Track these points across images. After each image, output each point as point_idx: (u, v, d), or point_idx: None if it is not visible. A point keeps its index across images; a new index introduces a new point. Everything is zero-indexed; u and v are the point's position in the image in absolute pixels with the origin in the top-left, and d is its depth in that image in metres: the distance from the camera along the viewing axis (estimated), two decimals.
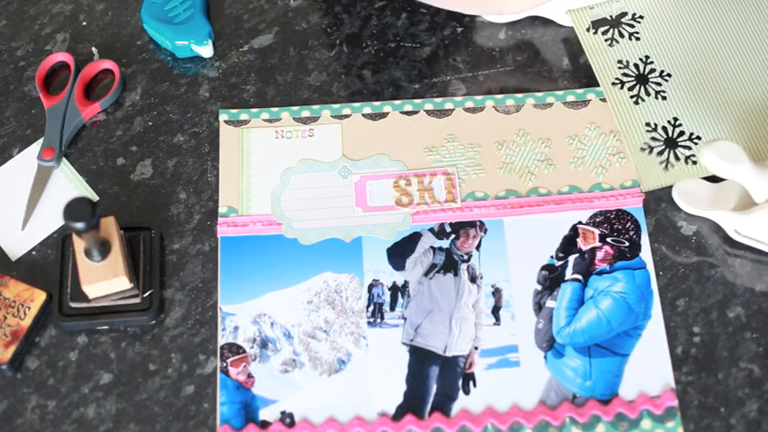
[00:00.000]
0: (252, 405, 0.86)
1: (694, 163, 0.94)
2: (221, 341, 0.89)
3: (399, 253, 0.92)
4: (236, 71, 1.02)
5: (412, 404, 0.86)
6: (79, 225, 0.80)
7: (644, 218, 0.93)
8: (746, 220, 0.89)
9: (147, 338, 0.89)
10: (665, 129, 0.95)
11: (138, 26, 1.04)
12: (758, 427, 0.85)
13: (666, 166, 0.93)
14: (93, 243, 0.84)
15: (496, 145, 0.97)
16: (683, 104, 0.96)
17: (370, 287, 0.91)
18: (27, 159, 0.97)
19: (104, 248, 0.85)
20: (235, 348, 0.88)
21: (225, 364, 0.88)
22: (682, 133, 0.94)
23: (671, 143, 0.94)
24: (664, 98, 0.96)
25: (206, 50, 1.01)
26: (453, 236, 0.93)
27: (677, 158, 0.93)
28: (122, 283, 0.86)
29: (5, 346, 0.87)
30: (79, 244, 0.86)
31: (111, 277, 0.85)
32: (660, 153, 0.94)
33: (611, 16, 1.01)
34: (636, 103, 0.95)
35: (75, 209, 0.80)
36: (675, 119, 0.95)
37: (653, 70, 0.98)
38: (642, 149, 0.94)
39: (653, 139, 0.94)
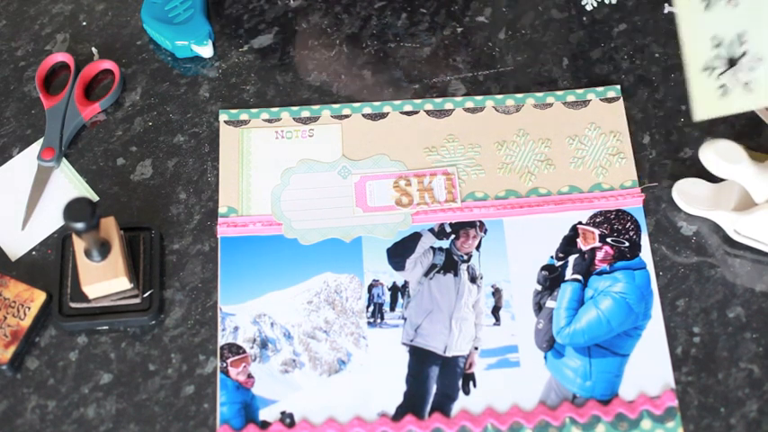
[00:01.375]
0: (252, 405, 0.86)
1: (752, 91, 0.82)
2: (221, 341, 0.89)
3: (399, 253, 0.92)
4: (236, 71, 1.02)
5: (412, 404, 0.86)
6: (79, 225, 0.80)
7: (644, 218, 0.93)
8: (746, 221, 0.89)
9: (146, 339, 0.89)
10: (731, 44, 0.83)
11: (138, 26, 1.04)
12: (758, 427, 0.85)
13: (724, 92, 0.83)
14: (93, 243, 0.84)
15: (496, 145, 0.97)
16: (755, 17, 0.82)
17: (370, 287, 0.91)
18: (27, 159, 0.97)
19: (104, 249, 0.85)
20: (235, 348, 0.88)
21: (225, 365, 0.88)
22: (745, 53, 0.82)
23: (733, 63, 0.83)
24: (735, 5, 0.82)
25: (206, 50, 1.01)
26: (453, 236, 0.93)
27: (737, 83, 0.82)
28: (122, 283, 0.86)
29: (5, 346, 0.87)
30: (79, 244, 0.86)
31: (111, 277, 0.85)
32: (721, 74, 0.83)
33: None
34: (707, 7, 0.83)
35: (74, 209, 0.80)
36: (743, 34, 0.82)
37: None
38: (704, 69, 0.84)
39: (716, 57, 0.83)
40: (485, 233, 0.93)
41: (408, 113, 0.99)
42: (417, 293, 0.90)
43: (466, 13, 1.05)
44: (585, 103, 0.99)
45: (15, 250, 0.93)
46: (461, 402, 0.86)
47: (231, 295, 0.90)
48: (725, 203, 0.91)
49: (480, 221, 0.93)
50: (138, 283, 0.89)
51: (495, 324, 0.89)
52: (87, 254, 0.85)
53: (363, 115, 0.99)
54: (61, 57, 1.01)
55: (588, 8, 0.88)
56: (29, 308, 0.88)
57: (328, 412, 0.86)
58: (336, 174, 0.96)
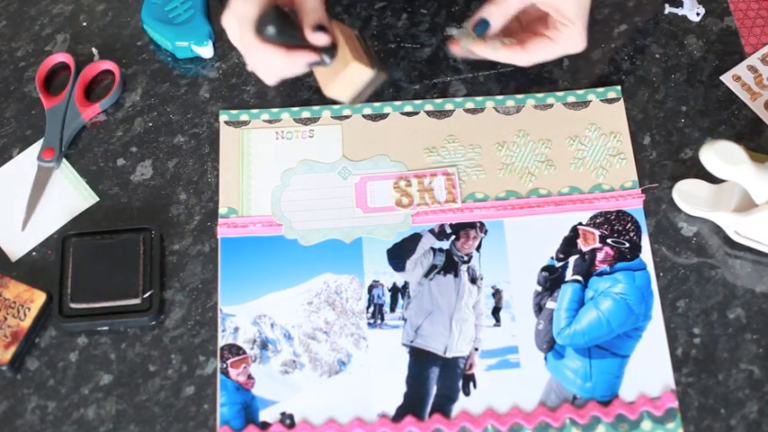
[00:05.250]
0: (252, 406, 0.86)
1: None
2: (221, 342, 0.89)
3: (399, 254, 0.92)
4: (237, 72, 1.02)
5: (412, 405, 0.86)
6: (269, 29, 0.78)
7: (644, 219, 0.93)
8: (747, 222, 0.89)
9: (147, 339, 0.89)
10: None
11: (139, 27, 1.04)
12: (758, 428, 0.85)
13: None
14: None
15: (497, 146, 0.97)
16: None
17: (371, 288, 0.91)
18: (27, 160, 0.97)
19: (330, 51, 0.82)
20: (235, 349, 0.88)
21: (225, 365, 0.88)
22: None
23: None
24: None
25: (206, 51, 1.01)
26: (453, 237, 0.93)
27: None
28: (359, 71, 0.82)
29: (5, 346, 0.87)
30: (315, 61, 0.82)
31: (342, 70, 0.82)
32: None
33: None
34: None
35: (263, 20, 0.78)
36: None
37: None
38: None
39: None
40: (485, 234, 0.93)
41: (409, 114, 0.99)
42: (417, 294, 0.90)
43: (466, 13, 1.04)
44: (586, 103, 0.99)
45: (15, 251, 0.93)
46: (461, 403, 0.86)
47: (231, 296, 0.90)
48: (725, 204, 0.91)
49: (480, 222, 0.93)
50: (140, 282, 0.89)
51: (495, 325, 0.89)
52: (318, 64, 0.83)
53: (364, 116, 0.99)
54: (61, 57, 1.01)
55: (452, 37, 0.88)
56: (29, 308, 0.88)
57: (328, 413, 0.86)
58: (336, 174, 0.96)
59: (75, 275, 0.89)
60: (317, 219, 0.93)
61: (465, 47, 0.89)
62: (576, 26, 0.88)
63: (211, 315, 0.90)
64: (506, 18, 0.88)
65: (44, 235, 0.93)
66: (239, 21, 0.80)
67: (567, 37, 0.89)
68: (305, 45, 0.81)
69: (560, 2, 0.87)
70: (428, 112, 0.99)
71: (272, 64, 0.82)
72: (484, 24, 0.88)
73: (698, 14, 1.04)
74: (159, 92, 1.01)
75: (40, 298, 0.89)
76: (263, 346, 0.88)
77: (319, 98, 1.00)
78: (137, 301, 0.89)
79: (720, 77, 1.01)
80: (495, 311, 0.89)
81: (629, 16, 1.04)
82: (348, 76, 0.83)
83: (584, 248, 0.92)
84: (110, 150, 0.98)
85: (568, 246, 0.92)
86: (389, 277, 0.91)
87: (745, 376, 0.87)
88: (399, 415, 0.86)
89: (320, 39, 0.80)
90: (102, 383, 0.87)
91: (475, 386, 0.87)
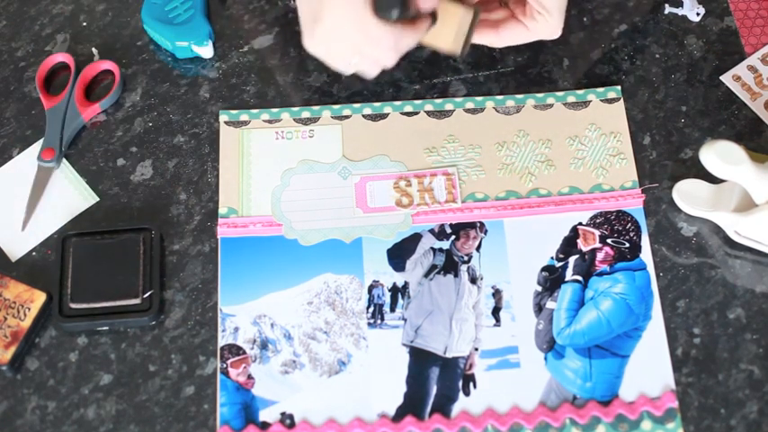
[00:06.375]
0: (252, 406, 0.86)
1: None
2: (221, 342, 0.89)
3: (399, 254, 0.92)
4: (237, 72, 1.02)
5: (412, 405, 0.86)
6: (394, 12, 0.79)
7: (644, 219, 0.93)
8: (747, 222, 0.89)
9: (147, 339, 0.89)
10: None
11: (139, 27, 1.04)
12: (758, 428, 0.85)
13: None
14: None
15: (497, 146, 0.97)
16: None
17: (371, 288, 0.91)
18: (27, 160, 0.97)
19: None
20: (235, 349, 0.88)
21: (225, 365, 0.88)
22: None
23: None
24: None
25: (206, 51, 1.01)
26: (453, 237, 0.93)
27: None
28: (465, 14, 0.86)
29: (5, 346, 0.87)
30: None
31: (451, 20, 0.86)
32: None
33: None
34: None
35: (384, 6, 0.80)
36: None
37: None
38: None
39: None
40: (485, 234, 0.93)
41: (409, 114, 0.99)
42: (417, 294, 0.90)
43: None
44: (586, 103, 0.99)
45: (15, 251, 0.93)
46: (461, 403, 0.86)
47: (231, 296, 0.90)
48: (725, 204, 0.91)
49: (480, 222, 0.93)
50: (141, 279, 0.89)
51: (495, 325, 0.89)
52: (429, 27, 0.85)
53: (364, 116, 0.99)
54: (61, 57, 1.01)
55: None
56: (29, 308, 0.88)
57: (328, 413, 0.86)
58: (336, 174, 0.96)
59: (75, 275, 0.89)
60: (317, 219, 0.93)
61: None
62: (553, 16, 0.88)
63: (211, 315, 0.90)
64: None
65: (44, 235, 0.93)
66: (356, 13, 0.79)
67: (543, 26, 0.89)
68: (415, 15, 0.83)
69: None
70: (428, 112, 0.99)
71: (399, 46, 0.83)
72: None
73: (698, 14, 1.04)
74: (159, 92, 1.01)
75: (40, 298, 0.89)
76: (263, 346, 0.88)
77: (319, 98, 1.00)
78: (137, 301, 0.89)
79: (720, 77, 1.01)
80: (495, 311, 0.89)
81: (629, 16, 1.04)
82: (457, 24, 0.86)
83: (584, 248, 0.92)
84: (110, 150, 0.98)
85: (568, 246, 0.92)
86: (389, 277, 0.91)
87: (745, 376, 0.87)
88: (399, 415, 0.86)
89: (430, 2, 0.82)
90: (102, 383, 0.87)
91: (475, 386, 0.87)
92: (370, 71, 0.86)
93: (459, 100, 0.99)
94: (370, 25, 0.80)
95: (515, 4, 0.91)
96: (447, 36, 0.87)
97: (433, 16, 0.85)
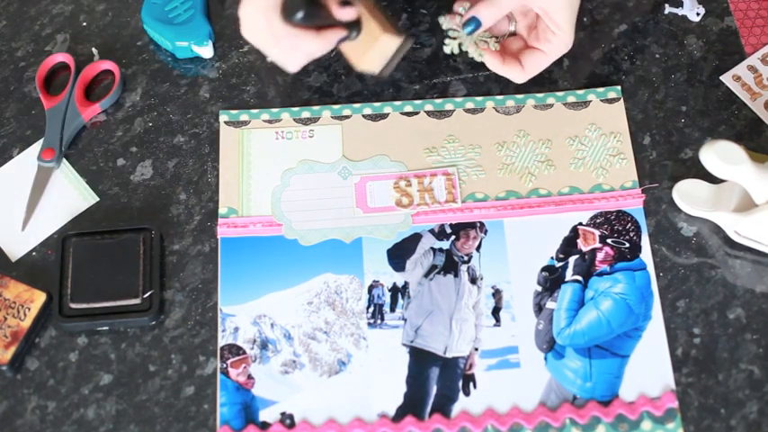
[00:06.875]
0: (252, 406, 0.86)
1: None
2: (221, 342, 0.89)
3: (399, 254, 0.92)
4: (237, 72, 1.02)
5: (412, 405, 0.86)
6: (299, 15, 0.79)
7: (644, 219, 0.93)
8: (747, 222, 0.89)
9: (147, 339, 0.89)
10: None
11: (139, 27, 1.04)
12: (758, 428, 0.85)
13: None
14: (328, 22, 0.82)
15: (497, 146, 0.97)
16: None
17: (371, 288, 0.91)
18: (27, 160, 0.97)
19: (355, 25, 0.83)
20: (235, 349, 0.88)
21: (225, 365, 0.88)
22: None
23: None
24: None
25: (206, 51, 1.01)
26: (453, 237, 0.93)
27: None
28: (389, 40, 0.84)
29: (5, 346, 0.87)
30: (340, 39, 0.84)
31: (373, 41, 0.83)
32: None
33: None
34: None
35: (291, 6, 0.79)
36: None
37: None
38: None
39: None
40: (485, 234, 0.93)
41: (409, 114, 0.99)
42: (417, 294, 0.90)
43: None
44: (586, 103, 0.99)
45: (15, 251, 0.93)
46: (461, 403, 0.86)
47: (231, 296, 0.90)
48: (725, 204, 0.91)
49: (480, 222, 0.93)
50: (141, 280, 0.89)
51: (495, 325, 0.89)
52: (345, 39, 0.84)
53: (364, 116, 0.99)
54: (61, 57, 1.01)
55: (447, 51, 0.89)
56: (29, 308, 0.88)
57: (328, 413, 0.86)
58: (336, 174, 0.96)
59: (75, 275, 0.89)
60: (317, 219, 0.93)
61: (462, 47, 0.89)
62: (566, 32, 0.88)
63: (211, 315, 0.90)
64: (497, 18, 0.88)
65: (44, 235, 0.93)
66: (264, 11, 0.81)
67: (557, 45, 0.89)
68: (331, 23, 0.82)
69: (551, 5, 0.87)
70: (428, 112, 0.99)
71: (301, 49, 0.83)
72: (474, 22, 0.88)
73: (698, 14, 1.04)
74: (159, 92, 1.01)
75: (40, 298, 0.89)
76: (263, 346, 0.88)
77: (319, 98, 1.00)
78: (137, 301, 0.89)
79: (720, 77, 1.01)
80: (495, 311, 0.89)
81: (629, 16, 1.04)
82: (379, 46, 0.84)
83: (585, 248, 0.92)
84: (110, 150, 0.98)
85: (568, 246, 0.92)
86: (389, 277, 0.91)
87: (745, 376, 0.87)
88: (399, 415, 0.86)
89: (348, 14, 0.81)
90: (102, 383, 0.87)
91: (475, 386, 0.87)
92: (287, 66, 0.86)
93: (459, 100, 0.99)
94: (275, 23, 0.81)
95: (527, 32, 0.91)
96: (364, 54, 0.85)
97: (358, 30, 0.83)
